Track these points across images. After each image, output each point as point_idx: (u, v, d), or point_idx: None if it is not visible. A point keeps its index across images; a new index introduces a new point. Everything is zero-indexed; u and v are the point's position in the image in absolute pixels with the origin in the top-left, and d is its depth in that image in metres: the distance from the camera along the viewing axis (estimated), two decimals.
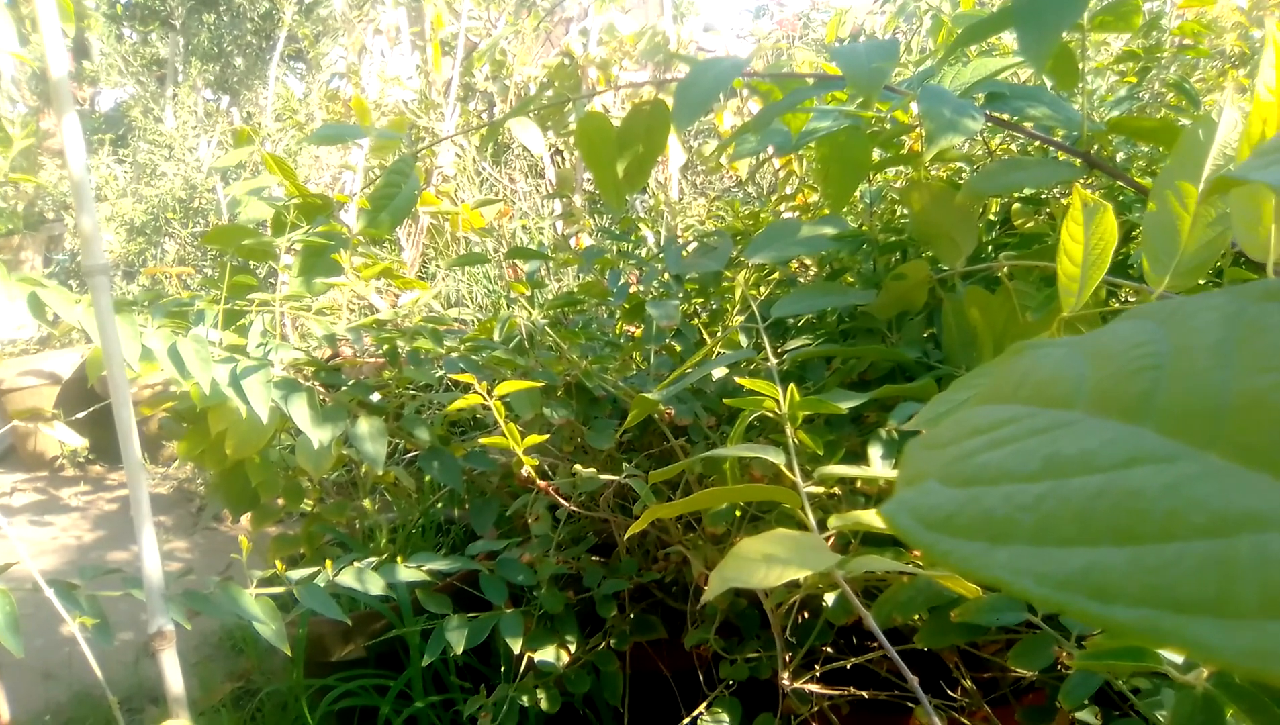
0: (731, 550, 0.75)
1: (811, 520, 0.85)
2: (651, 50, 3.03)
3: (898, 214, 1.70)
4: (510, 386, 1.05)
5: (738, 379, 0.93)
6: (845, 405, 0.94)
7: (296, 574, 1.13)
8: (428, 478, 2.07)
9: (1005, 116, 1.15)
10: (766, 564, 0.73)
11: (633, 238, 1.74)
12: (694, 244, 1.48)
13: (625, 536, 1.01)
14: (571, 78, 3.11)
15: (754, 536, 0.75)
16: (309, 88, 4.51)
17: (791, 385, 0.94)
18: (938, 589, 0.89)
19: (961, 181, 1.42)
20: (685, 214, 2.65)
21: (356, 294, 2.04)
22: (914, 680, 0.71)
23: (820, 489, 0.99)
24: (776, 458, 0.87)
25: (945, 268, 1.15)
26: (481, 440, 1.12)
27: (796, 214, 1.89)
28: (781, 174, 2.33)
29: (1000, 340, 1.05)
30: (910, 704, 1.17)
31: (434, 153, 2.65)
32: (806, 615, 1.15)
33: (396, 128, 1.90)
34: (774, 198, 2.08)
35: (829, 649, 1.19)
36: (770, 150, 1.56)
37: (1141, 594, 0.19)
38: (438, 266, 3.20)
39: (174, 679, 0.96)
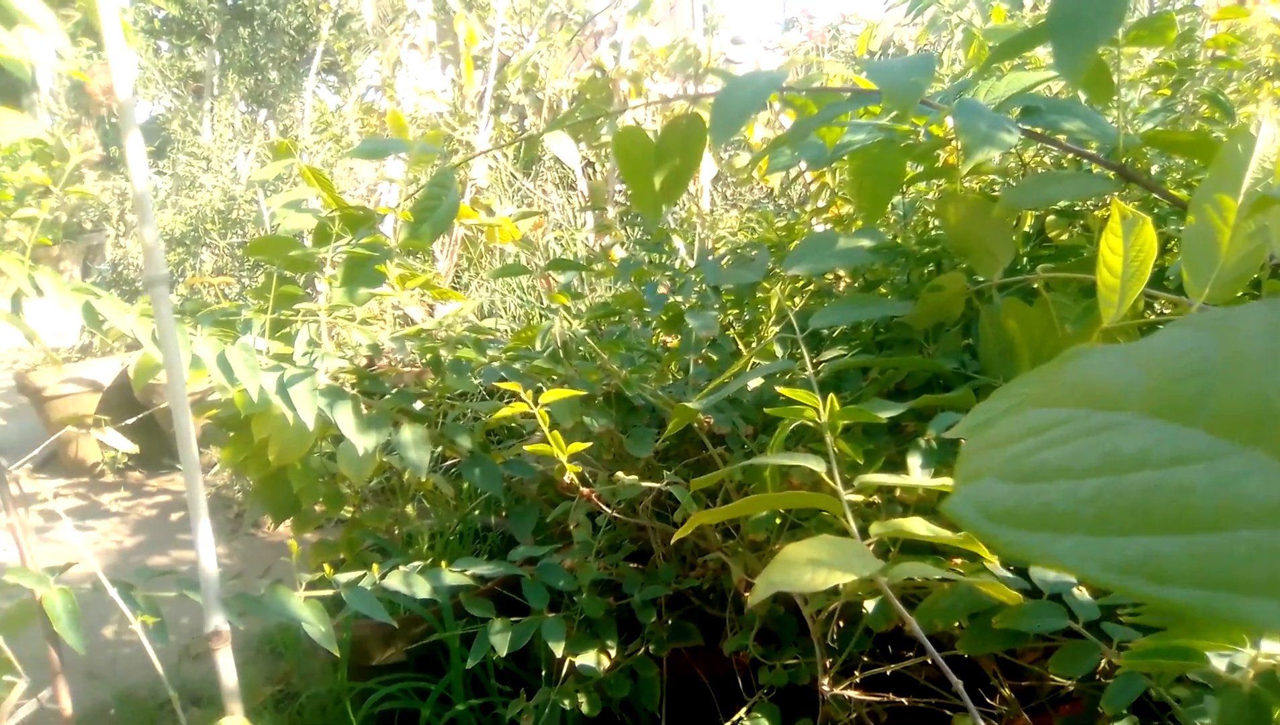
0: (777, 556, 0.77)
1: (853, 527, 0.86)
2: (683, 63, 3.05)
3: (930, 226, 1.72)
4: (555, 395, 1.08)
5: (778, 389, 0.95)
6: (885, 415, 0.96)
7: (344, 577, 1.15)
8: (465, 485, 2.10)
9: (1040, 130, 1.16)
10: (812, 569, 0.75)
11: (666, 249, 1.76)
12: (726, 256, 1.50)
13: (672, 541, 1.03)
14: (603, 90, 3.14)
15: (798, 542, 0.77)
16: (343, 101, 4.58)
17: (831, 395, 0.96)
18: (978, 596, 0.90)
19: (996, 194, 1.44)
20: (718, 226, 2.67)
21: (391, 304, 2.08)
22: (959, 684, 0.72)
23: (860, 497, 1.01)
24: (817, 466, 0.89)
25: (981, 279, 1.16)
26: (526, 448, 1.14)
27: (829, 226, 1.91)
28: (814, 186, 2.34)
29: (1038, 351, 1.06)
30: (948, 712, 1.18)
31: (468, 165, 2.69)
32: (843, 623, 1.16)
33: (433, 141, 1.94)
34: (807, 210, 2.10)
35: (866, 656, 1.20)
36: (803, 164, 1.58)
37: (1197, 577, 0.21)
38: (471, 277, 3.24)
39: (229, 677, 0.98)
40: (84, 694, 2.24)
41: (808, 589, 0.75)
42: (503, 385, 1.08)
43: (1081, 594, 0.90)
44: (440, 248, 2.87)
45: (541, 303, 2.87)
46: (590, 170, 3.32)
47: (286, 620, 1.08)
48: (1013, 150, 1.49)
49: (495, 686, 1.58)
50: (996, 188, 1.61)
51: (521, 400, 1.05)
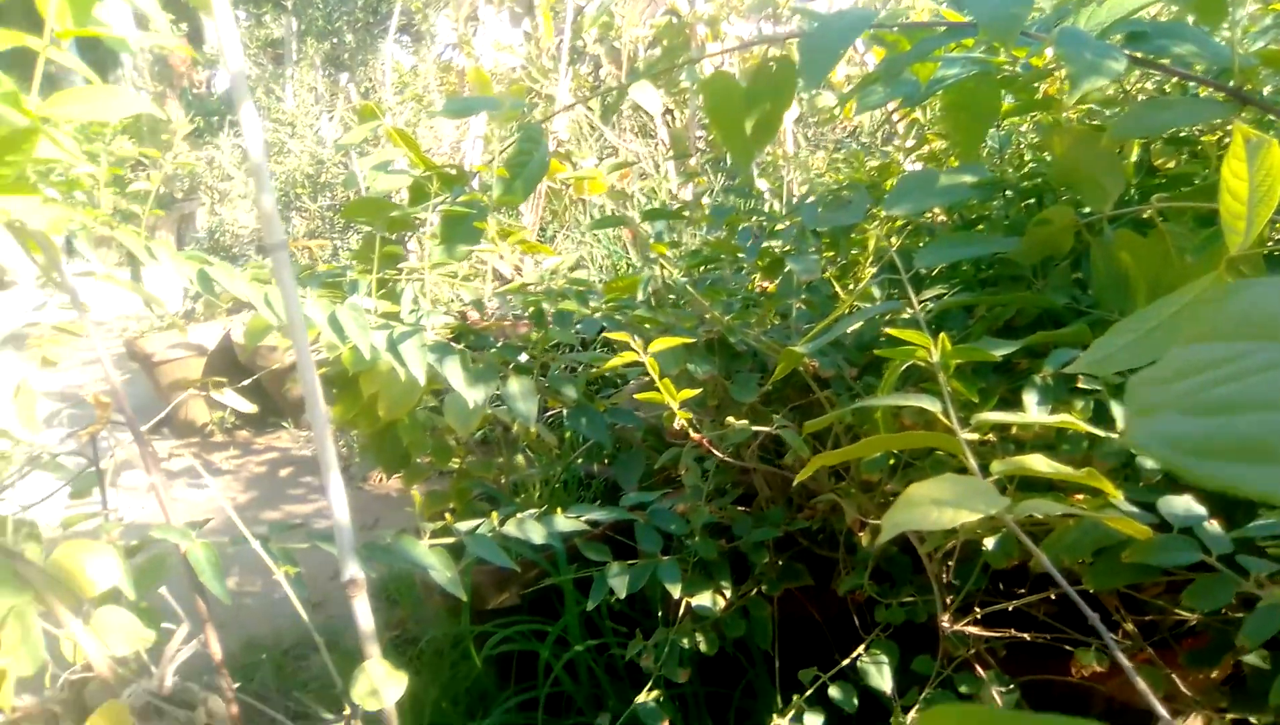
0: (901, 495, 0.77)
1: (974, 465, 0.86)
2: (760, 4, 3.00)
3: (1024, 160, 1.67)
4: (664, 342, 1.09)
5: (888, 330, 0.95)
6: (999, 352, 0.95)
7: (465, 525, 1.19)
8: (568, 434, 2.14)
9: (1147, 56, 1.12)
10: (938, 507, 0.76)
11: (753, 193, 1.76)
12: (820, 199, 1.49)
13: (794, 483, 1.04)
14: (679, 36, 3.11)
15: (921, 482, 0.78)
16: (421, 60, 4.61)
17: (943, 334, 0.95)
18: (1105, 530, 0.89)
19: (1097, 125, 1.39)
20: (804, 168, 2.64)
21: (480, 261, 2.11)
22: (1094, 617, 0.72)
23: (975, 436, 1.00)
24: (932, 405, 0.89)
25: (1090, 212, 1.13)
26: (636, 395, 1.16)
27: (922, 165, 1.87)
28: (902, 125, 2.30)
29: (1155, 283, 1.04)
30: (1068, 648, 1.18)
31: (551, 119, 2.69)
32: (958, 562, 1.16)
33: (516, 95, 1.95)
34: (895, 148, 2.06)
35: (979, 594, 1.21)
36: (891, 104, 1.55)
37: None
38: (554, 231, 3.26)
39: (365, 621, 1.03)
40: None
41: (935, 527, 0.75)
42: (612, 335, 1.10)
43: (1213, 527, 0.89)
44: (526, 204, 2.88)
45: (627, 253, 2.88)
46: (669, 117, 3.30)
47: (413, 567, 1.12)
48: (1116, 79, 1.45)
49: (610, 627, 1.62)
50: (1095, 119, 1.56)
51: (632, 349, 1.06)
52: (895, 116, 2.44)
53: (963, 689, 1.17)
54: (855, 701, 1.20)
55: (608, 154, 3.29)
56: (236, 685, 1.14)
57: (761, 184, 1.77)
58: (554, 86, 2.93)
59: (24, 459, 1.28)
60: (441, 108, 1.45)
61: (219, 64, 7.15)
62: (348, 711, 1.01)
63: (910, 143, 1.96)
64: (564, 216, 3.12)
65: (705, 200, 2.39)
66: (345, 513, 0.99)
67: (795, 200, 2.03)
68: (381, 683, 0.95)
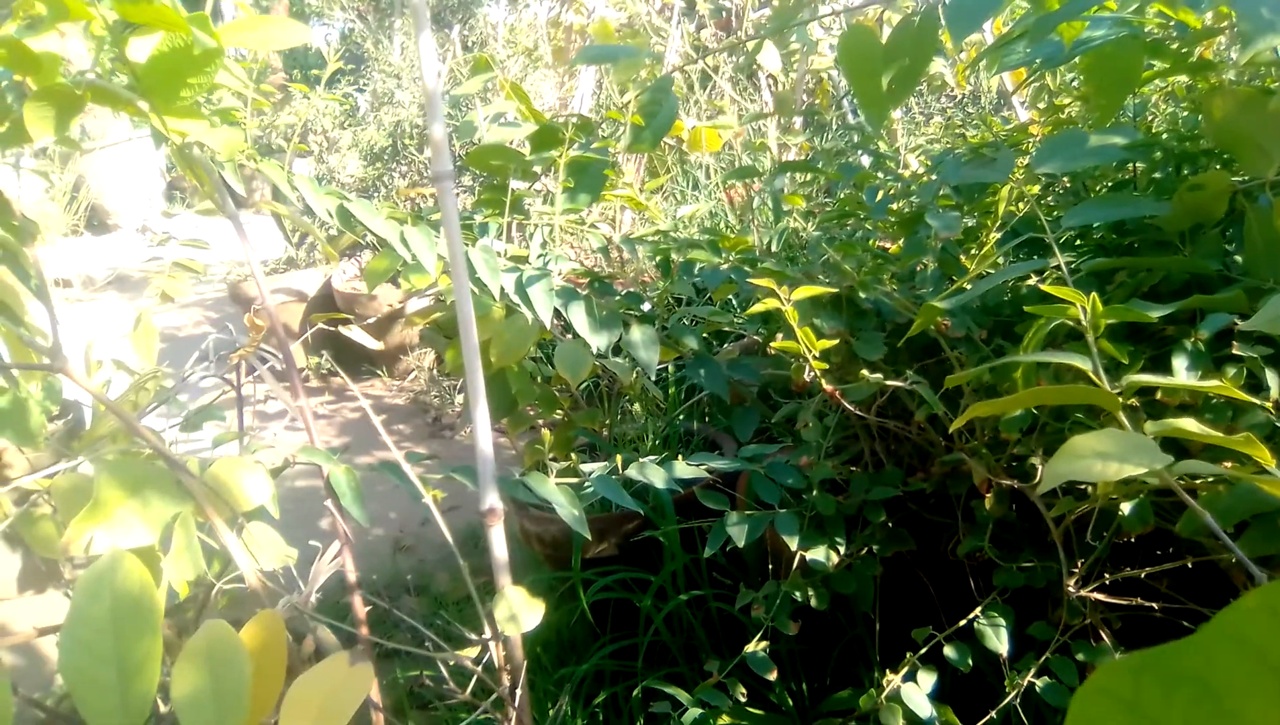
0: (1064, 446, 0.77)
1: (1128, 424, 0.86)
2: None
3: (1153, 129, 1.63)
4: (806, 291, 1.09)
5: (1041, 286, 0.94)
6: (1154, 314, 0.94)
7: (589, 467, 1.21)
8: (671, 390, 2.16)
9: None
10: (1101, 460, 0.75)
11: (875, 152, 1.74)
12: (953, 155, 1.47)
13: (951, 429, 1.04)
14: None
15: (1086, 434, 0.77)
16: (518, 18, 4.64)
17: (1094, 293, 0.94)
18: (1260, 497, 0.88)
19: (1262, 87, 1.35)
20: (916, 134, 2.61)
21: (599, 214, 2.12)
22: (1260, 574, 0.71)
23: (1121, 398, 0.99)
24: (1084, 363, 0.88)
25: (1247, 178, 1.11)
26: (773, 345, 1.16)
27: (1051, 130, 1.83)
28: (1019, 96, 2.25)
29: None
30: (1185, 623, 1.17)
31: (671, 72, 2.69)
32: (1090, 526, 1.15)
33: (640, 45, 1.95)
34: (1011, 115, 2.02)
35: (1101, 564, 1.19)
36: (1006, 75, 1.52)
37: None
38: (649, 193, 3.26)
39: (500, 550, 1.06)
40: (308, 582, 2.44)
41: (1098, 478, 0.75)
42: (756, 281, 1.10)
43: None
44: (626, 160, 2.89)
45: (726, 214, 2.88)
46: (772, 81, 3.27)
47: (541, 503, 1.15)
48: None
49: (713, 578, 1.64)
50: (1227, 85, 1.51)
51: (775, 295, 1.06)
52: (1014, 91, 2.39)
53: (1080, 656, 1.16)
54: (969, 661, 1.20)
55: (708, 116, 3.27)
56: (372, 605, 1.18)
57: (877, 148, 1.75)
58: (662, 44, 2.92)
59: (168, 387, 1.33)
60: (577, 55, 1.46)
61: (320, 17, 7.26)
62: (487, 634, 1.04)
63: (1037, 108, 1.92)
64: (664, 177, 3.12)
65: (821, 164, 2.37)
66: (489, 444, 1.01)
67: (905, 165, 2.00)
68: (521, 608, 0.98)
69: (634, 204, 1.83)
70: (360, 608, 1.16)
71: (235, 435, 1.21)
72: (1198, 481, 0.98)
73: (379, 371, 3.65)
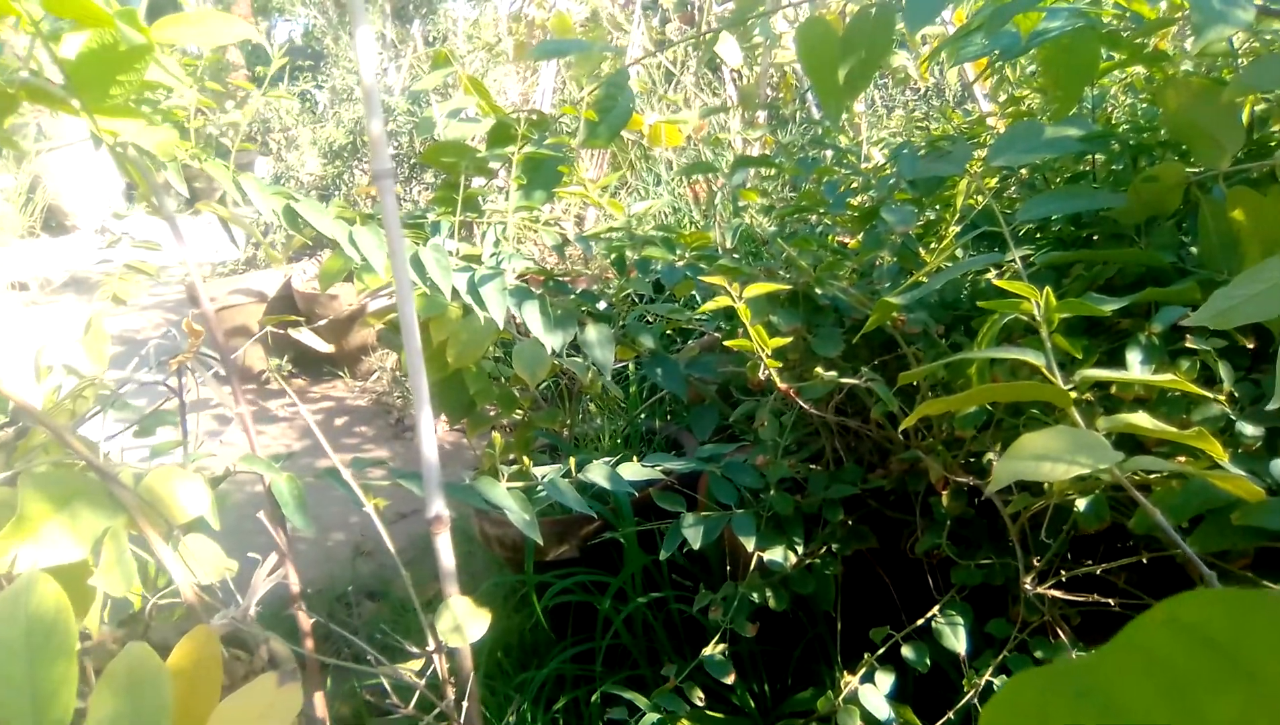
0: (1014, 444, 0.75)
1: (1080, 420, 0.84)
2: None
3: (1113, 120, 1.62)
4: (759, 288, 1.07)
5: (995, 281, 0.92)
6: (1107, 308, 0.92)
7: (542, 470, 1.18)
8: (633, 389, 2.14)
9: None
10: (1052, 458, 0.74)
11: (831, 146, 1.72)
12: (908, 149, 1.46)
13: (900, 428, 1.02)
14: None
15: (1035, 432, 0.76)
16: (480, 13, 4.59)
17: (1048, 287, 0.93)
18: (1212, 492, 0.87)
19: (1214, 78, 1.35)
20: (878, 127, 2.59)
21: (552, 212, 2.09)
22: (1210, 574, 0.70)
23: (1073, 394, 0.98)
24: (1037, 359, 0.87)
25: (1201, 169, 1.10)
26: (727, 343, 1.14)
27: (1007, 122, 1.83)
28: (981, 87, 2.25)
29: (1270, 241, 1.00)
30: None
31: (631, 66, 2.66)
32: (1044, 522, 1.14)
33: (598, 39, 1.92)
34: (974, 107, 2.01)
35: (1058, 560, 1.18)
36: (968, 66, 1.51)
37: None
38: (617, 187, 3.23)
39: (447, 558, 1.03)
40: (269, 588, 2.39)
41: (1047, 478, 0.73)
42: (707, 279, 1.08)
43: None
44: (589, 156, 2.87)
45: (690, 210, 2.86)
46: (736, 74, 3.26)
47: (491, 508, 1.12)
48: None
49: (671, 580, 1.62)
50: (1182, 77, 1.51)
51: (726, 293, 1.04)
52: (974, 81, 2.39)
53: (1038, 654, 1.15)
54: (928, 662, 1.18)
55: (672, 110, 3.25)
56: (315, 618, 1.15)
57: (838, 141, 1.74)
58: (624, 39, 2.90)
59: (107, 394, 1.29)
60: (534, 49, 1.43)
61: (282, 14, 7.17)
62: (430, 646, 1.01)
63: (1000, 99, 1.91)
64: (627, 172, 3.09)
65: (779, 159, 2.35)
66: (434, 450, 0.98)
67: (868, 159, 1.99)
68: (465, 619, 0.95)
69: (594, 201, 1.81)
70: (305, 620, 1.13)
71: (175, 444, 1.18)
72: (1153, 476, 0.97)
73: (341, 372, 3.60)
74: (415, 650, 1.00)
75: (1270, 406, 0.62)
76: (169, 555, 0.95)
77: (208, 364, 1.28)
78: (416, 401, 0.96)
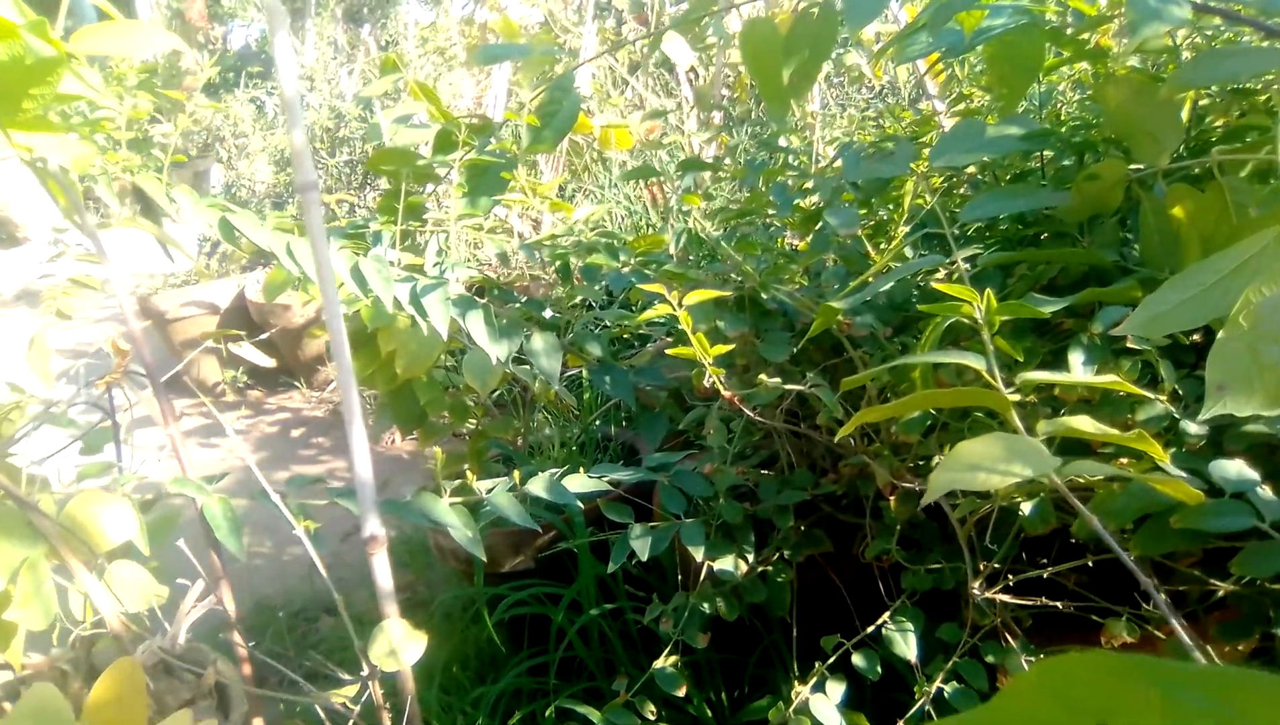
0: (951, 452, 0.74)
1: (1020, 425, 0.83)
2: None
3: (1062, 117, 1.62)
4: (699, 295, 1.06)
5: (933, 284, 0.91)
6: (1047, 309, 0.91)
7: (485, 484, 1.16)
8: (586, 396, 2.11)
9: (1211, 2, 1.08)
10: (986, 467, 0.72)
11: (787, 148, 1.71)
12: (853, 149, 1.44)
13: (836, 439, 1.01)
14: None
15: (971, 440, 0.74)
16: (438, 15, 4.55)
17: (988, 290, 0.92)
18: (1153, 495, 0.86)
19: (1153, 75, 1.35)
20: (831, 126, 2.59)
21: (499, 219, 2.07)
22: (1149, 583, 0.69)
23: (1016, 397, 0.97)
24: (977, 363, 0.86)
25: (1141, 167, 1.09)
26: (669, 351, 1.12)
27: (956, 120, 1.82)
28: (933, 84, 2.24)
29: (1210, 239, 1.00)
30: (1095, 619, 1.15)
31: (578, 68, 2.64)
32: (990, 526, 1.13)
33: (545, 43, 1.90)
34: (934, 105, 2.00)
35: (1011, 562, 1.18)
36: (920, 63, 1.50)
37: None
38: (574, 189, 3.21)
39: (384, 579, 1.00)
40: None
41: (982, 487, 0.72)
42: (646, 287, 1.06)
43: (1266, 492, 0.85)
44: (545, 160, 2.84)
45: (647, 212, 2.84)
46: (692, 75, 3.24)
47: (433, 525, 1.10)
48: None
49: (625, 591, 1.60)
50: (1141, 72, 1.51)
51: (666, 301, 1.03)
52: (925, 75, 2.38)
53: (989, 658, 1.14)
54: (879, 670, 1.17)
55: (630, 111, 3.23)
56: (253, 643, 1.12)
57: (786, 141, 1.73)
58: (578, 40, 2.87)
59: (37, 412, 1.25)
60: (475, 54, 1.41)
61: (236, 19, 7.08)
62: (366, 671, 0.99)
63: (947, 99, 1.91)
64: (584, 175, 3.07)
65: (727, 161, 2.34)
66: (367, 468, 0.96)
67: (821, 159, 1.98)
68: (400, 642, 0.93)
69: (555, 206, 1.78)
70: (241, 646, 1.10)
71: (101, 468, 1.14)
72: (1098, 478, 0.97)
73: (297, 383, 3.55)
74: (348, 677, 0.98)
75: (1200, 418, 0.60)
76: (93, 584, 0.92)
77: (142, 383, 1.25)
78: (347, 418, 0.94)
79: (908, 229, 1.31)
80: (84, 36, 1.01)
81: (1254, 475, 0.87)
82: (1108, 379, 0.86)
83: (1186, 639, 0.65)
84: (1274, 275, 0.69)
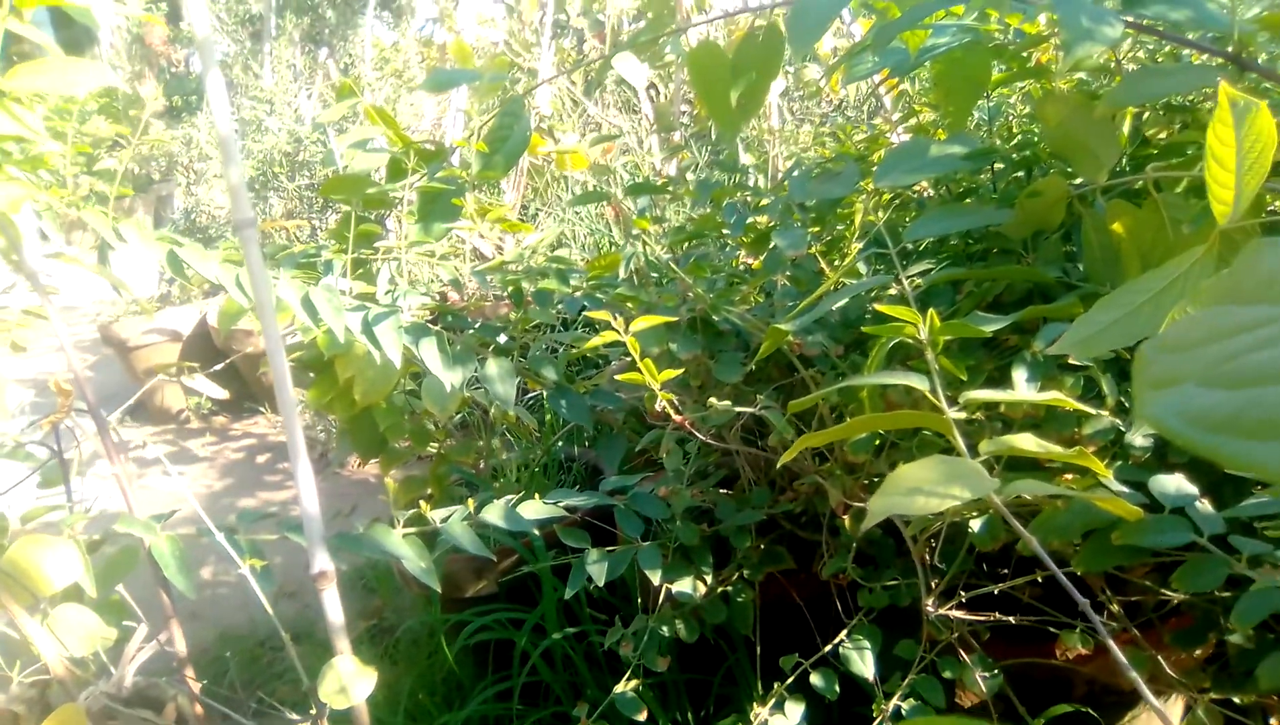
0: (887, 479, 0.74)
1: (963, 446, 0.83)
2: None
3: (1014, 131, 1.64)
4: (645, 321, 1.06)
5: (875, 306, 0.91)
6: (989, 328, 0.92)
7: (439, 513, 1.16)
8: (548, 417, 2.11)
9: (1144, 22, 1.09)
10: (925, 490, 0.73)
11: (740, 168, 1.72)
12: (807, 171, 1.45)
13: (777, 465, 1.01)
14: (665, 7, 3.06)
15: (909, 464, 0.75)
16: (401, 35, 4.55)
17: (931, 310, 0.92)
18: (1095, 512, 0.87)
19: (1091, 92, 1.36)
20: (790, 142, 2.60)
21: (461, 240, 2.06)
22: (1085, 603, 0.69)
23: (962, 415, 0.98)
24: (920, 383, 0.86)
25: (1083, 182, 1.11)
26: (618, 377, 1.12)
27: (910, 136, 1.84)
28: (889, 98, 2.26)
29: (1148, 255, 1.01)
30: (1052, 630, 1.16)
31: (533, 93, 2.64)
32: (943, 544, 1.14)
33: (499, 68, 1.90)
34: (882, 121, 2.02)
35: (963, 576, 1.18)
36: (876, 77, 1.52)
37: None
38: (538, 208, 3.21)
39: (335, 615, 1.00)
40: (186, 634, 2.31)
41: (920, 512, 0.72)
42: (592, 314, 1.06)
43: (1205, 507, 0.86)
44: (507, 181, 2.84)
45: (609, 231, 2.84)
46: (653, 92, 3.26)
47: (386, 557, 1.09)
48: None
49: (589, 614, 1.59)
50: (1084, 89, 1.53)
51: (612, 328, 1.03)
52: (882, 90, 2.40)
53: (946, 674, 1.15)
54: (836, 689, 1.17)
55: (591, 129, 3.24)
56: (204, 681, 1.11)
57: (746, 159, 1.73)
58: (536, 61, 2.88)
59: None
60: (423, 82, 1.41)
61: (192, 43, 7.04)
62: (314, 711, 0.98)
63: (897, 115, 1.93)
64: (546, 194, 3.07)
65: (690, 176, 2.35)
66: (314, 502, 0.95)
67: (781, 175, 1.99)
68: (350, 679, 0.92)
69: (509, 226, 1.78)
70: (193, 686, 1.09)
71: (46, 510, 1.13)
72: (1045, 496, 0.97)
73: (262, 408, 3.53)
74: (295, 716, 0.97)
75: (1131, 438, 0.61)
76: (35, 629, 0.91)
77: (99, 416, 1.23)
78: (292, 453, 0.93)
79: (861, 245, 1.32)
80: (18, 75, 1.00)
81: (1193, 490, 0.88)
82: (1050, 396, 0.87)
83: (1122, 658, 0.66)
84: (1199, 294, 0.69)
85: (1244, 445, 0.24)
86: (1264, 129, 0.73)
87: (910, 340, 0.94)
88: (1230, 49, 1.05)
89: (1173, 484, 0.89)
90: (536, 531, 1.34)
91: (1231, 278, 0.33)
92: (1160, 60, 1.50)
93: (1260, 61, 1.40)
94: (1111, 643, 0.68)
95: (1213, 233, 0.81)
